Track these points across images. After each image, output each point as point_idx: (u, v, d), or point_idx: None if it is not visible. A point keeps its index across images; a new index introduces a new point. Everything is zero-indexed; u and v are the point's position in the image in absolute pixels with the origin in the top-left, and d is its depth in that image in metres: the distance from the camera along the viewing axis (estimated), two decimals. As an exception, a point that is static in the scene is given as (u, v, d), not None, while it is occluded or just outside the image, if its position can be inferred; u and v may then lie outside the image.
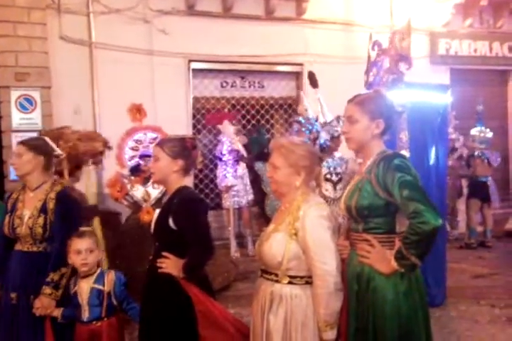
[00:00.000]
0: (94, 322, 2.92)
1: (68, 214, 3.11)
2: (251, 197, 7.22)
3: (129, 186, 4.89)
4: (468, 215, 7.78)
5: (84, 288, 2.96)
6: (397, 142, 4.56)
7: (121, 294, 2.99)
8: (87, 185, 4.23)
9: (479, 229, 7.83)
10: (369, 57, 5.10)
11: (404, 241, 2.17)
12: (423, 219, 2.11)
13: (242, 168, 7.15)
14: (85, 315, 2.93)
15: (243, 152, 7.00)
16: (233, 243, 7.08)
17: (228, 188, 6.98)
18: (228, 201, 7.09)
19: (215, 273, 5.11)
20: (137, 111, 5.08)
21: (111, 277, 3.00)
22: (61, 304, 3.00)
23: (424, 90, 5.03)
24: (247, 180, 7.21)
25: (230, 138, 6.97)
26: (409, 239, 2.15)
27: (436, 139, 5.02)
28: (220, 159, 7.06)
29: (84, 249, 2.94)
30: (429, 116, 4.94)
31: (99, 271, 3.03)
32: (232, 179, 6.96)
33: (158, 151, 2.74)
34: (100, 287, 2.96)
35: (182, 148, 2.75)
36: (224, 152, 6.98)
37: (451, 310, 4.87)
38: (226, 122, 7.06)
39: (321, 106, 5.74)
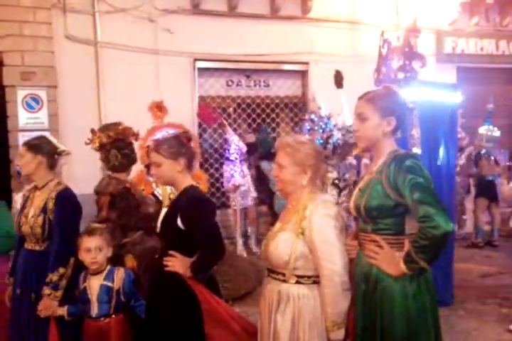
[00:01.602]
0: (102, 319, 2.93)
1: (66, 214, 3.07)
2: (255, 194, 7.20)
3: (154, 185, 4.86)
4: (475, 214, 7.74)
5: (94, 285, 2.97)
6: (409, 139, 4.52)
7: (130, 291, 3.00)
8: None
9: (486, 228, 7.79)
10: (380, 54, 5.06)
11: (414, 245, 2.13)
12: (434, 223, 2.06)
13: (246, 167, 7.15)
14: (94, 311, 2.94)
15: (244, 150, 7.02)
16: (239, 242, 7.07)
17: (236, 188, 6.96)
18: (235, 201, 7.08)
19: (238, 274, 5.11)
20: (158, 108, 5.04)
21: (120, 274, 3.02)
22: (68, 301, 3.01)
23: (435, 89, 5.00)
24: (250, 179, 7.21)
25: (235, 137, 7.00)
26: (418, 243, 2.11)
27: (446, 138, 5.00)
28: (228, 158, 7.03)
29: (94, 247, 2.95)
30: (439, 114, 4.91)
31: (109, 267, 3.03)
32: (240, 178, 6.94)
33: (157, 156, 2.67)
34: (110, 284, 2.97)
35: (179, 147, 2.69)
36: (232, 151, 6.96)
37: (459, 310, 4.86)
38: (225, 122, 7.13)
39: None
